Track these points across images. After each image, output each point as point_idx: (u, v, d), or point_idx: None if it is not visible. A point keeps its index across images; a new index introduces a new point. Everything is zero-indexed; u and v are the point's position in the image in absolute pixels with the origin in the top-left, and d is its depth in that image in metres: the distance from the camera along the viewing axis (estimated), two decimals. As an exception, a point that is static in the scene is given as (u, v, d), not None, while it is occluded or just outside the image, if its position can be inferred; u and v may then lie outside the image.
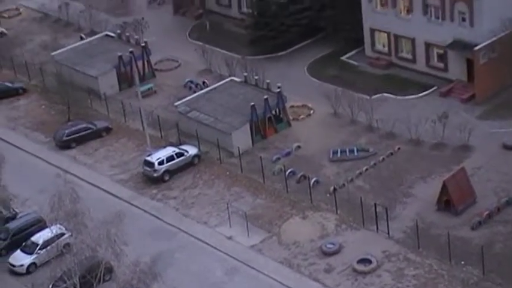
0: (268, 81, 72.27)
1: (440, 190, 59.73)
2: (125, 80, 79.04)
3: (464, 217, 58.99)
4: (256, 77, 73.19)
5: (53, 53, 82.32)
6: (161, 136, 71.65)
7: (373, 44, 77.89)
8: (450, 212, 59.36)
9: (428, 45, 74.26)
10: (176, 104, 72.71)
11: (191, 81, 77.88)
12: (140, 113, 70.44)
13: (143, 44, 79.89)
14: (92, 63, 79.69)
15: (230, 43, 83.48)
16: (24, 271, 59.32)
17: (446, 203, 59.62)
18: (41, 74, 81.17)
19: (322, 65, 78.76)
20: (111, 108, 75.79)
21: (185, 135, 70.55)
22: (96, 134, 72.93)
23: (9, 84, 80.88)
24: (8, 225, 61.72)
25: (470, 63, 71.43)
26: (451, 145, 66.01)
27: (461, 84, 72.59)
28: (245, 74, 74.06)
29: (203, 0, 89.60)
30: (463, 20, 71.39)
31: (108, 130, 73.44)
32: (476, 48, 69.75)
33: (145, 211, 64.02)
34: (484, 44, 69.77)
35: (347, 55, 79.36)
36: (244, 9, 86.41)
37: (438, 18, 72.77)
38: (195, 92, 75.43)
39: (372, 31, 77.43)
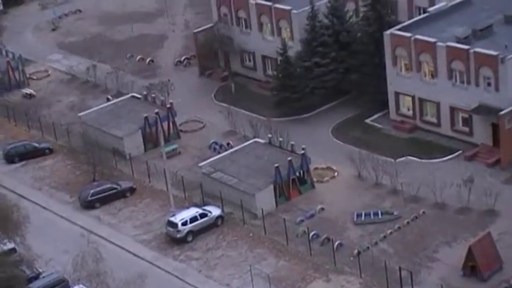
0: (292, 143, 72.43)
1: (465, 255, 59.12)
2: (150, 141, 79.52)
3: (490, 283, 58.27)
4: (280, 139, 73.38)
5: (80, 114, 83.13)
6: (185, 197, 71.72)
7: (397, 107, 78.02)
8: (476, 277, 58.65)
9: (453, 109, 74.28)
10: (200, 164, 72.92)
11: (216, 143, 78.19)
12: (164, 173, 70.69)
13: (169, 105, 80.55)
14: (118, 124, 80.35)
15: (255, 105, 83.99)
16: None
17: (472, 268, 58.94)
18: (67, 134, 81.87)
19: (347, 127, 78.90)
20: (135, 168, 76.12)
21: (209, 196, 70.55)
22: (121, 194, 73.15)
23: (36, 145, 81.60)
24: (31, 285, 61.63)
25: (495, 128, 71.25)
26: (476, 210, 65.51)
27: (487, 149, 72.34)
28: (269, 135, 74.31)
29: (228, 62, 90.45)
30: (489, 84, 71.46)
31: (132, 190, 73.66)
32: (502, 113, 69.66)
33: (167, 272, 63.76)
34: (509, 109, 69.66)
35: (371, 118, 79.50)
36: (269, 72, 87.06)
37: (463, 82, 72.88)
38: (219, 153, 75.70)
39: (397, 94, 77.65)
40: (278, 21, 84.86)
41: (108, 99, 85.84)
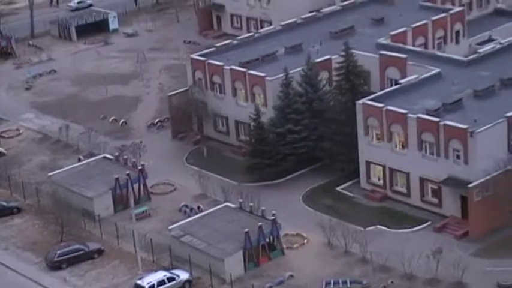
0: (263, 208, 72.40)
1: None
2: (120, 202, 79.16)
3: None
4: (251, 204, 73.36)
5: (50, 174, 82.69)
6: (153, 260, 71.16)
7: (368, 176, 78.49)
8: None
9: (423, 180, 74.82)
10: (170, 227, 72.56)
11: (186, 206, 77.99)
12: (133, 235, 70.19)
13: (140, 167, 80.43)
14: (88, 185, 79.99)
15: (227, 169, 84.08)
16: None
17: None
18: (36, 193, 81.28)
19: (318, 194, 79.09)
20: (104, 230, 75.57)
21: (178, 260, 70.07)
22: (88, 256, 72.45)
23: (4, 203, 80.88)
24: None
25: (464, 200, 71.77)
26: (444, 281, 65.55)
27: (456, 221, 72.73)
28: (240, 200, 74.27)
29: (202, 126, 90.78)
30: (458, 157, 72.19)
31: (100, 252, 73.00)
32: (471, 185, 70.25)
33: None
34: (478, 181, 70.30)
35: (342, 186, 79.81)
36: (242, 137, 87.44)
37: (433, 154, 73.58)
38: (189, 216, 75.44)
39: (368, 163, 78.18)
40: (252, 87, 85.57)
41: (79, 160, 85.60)
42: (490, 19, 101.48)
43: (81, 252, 72.19)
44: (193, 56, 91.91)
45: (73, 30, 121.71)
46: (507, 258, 67.41)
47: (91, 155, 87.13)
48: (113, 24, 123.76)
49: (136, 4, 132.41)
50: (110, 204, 78.76)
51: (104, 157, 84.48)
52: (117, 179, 78.84)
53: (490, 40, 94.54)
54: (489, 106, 75.08)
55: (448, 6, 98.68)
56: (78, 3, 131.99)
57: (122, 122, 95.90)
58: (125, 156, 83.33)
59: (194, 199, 79.55)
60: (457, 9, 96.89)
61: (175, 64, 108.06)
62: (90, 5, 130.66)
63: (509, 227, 70.40)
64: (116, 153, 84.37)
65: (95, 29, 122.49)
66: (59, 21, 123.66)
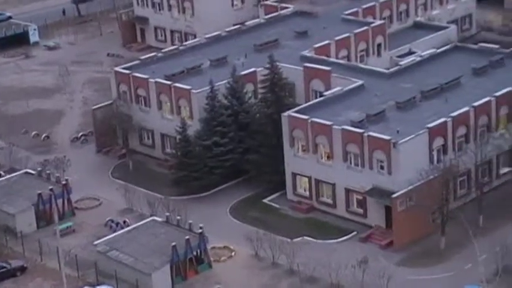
0: (190, 221, 72.10)
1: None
2: (44, 218, 77.89)
3: None
4: (178, 217, 72.97)
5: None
6: (78, 276, 70.14)
7: (294, 187, 78.90)
8: None
9: (348, 191, 75.54)
10: (95, 243, 71.67)
11: (112, 221, 77.16)
12: (57, 252, 69.12)
13: (64, 182, 79.30)
14: (10, 201, 78.51)
15: (153, 183, 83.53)
16: None
17: None
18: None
19: (245, 206, 79.16)
20: (27, 246, 74.22)
21: (104, 276, 69.21)
22: (10, 274, 71.00)
23: None
24: None
25: (388, 210, 72.70)
26: (371, 290, 66.26)
27: (380, 231, 73.59)
28: (167, 214, 73.82)
29: (127, 140, 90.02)
30: (382, 168, 73.13)
31: (23, 269, 71.63)
32: (394, 195, 71.22)
33: None
34: (402, 191, 71.32)
35: (269, 198, 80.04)
36: (168, 150, 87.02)
37: (358, 165, 74.40)
38: (115, 231, 74.64)
39: (294, 175, 78.60)
40: (178, 100, 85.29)
41: (0, 175, 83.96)
42: (410, 32, 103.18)
43: (3, 270, 70.73)
44: (117, 68, 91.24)
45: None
46: (430, 267, 68.48)
47: (12, 170, 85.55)
48: (34, 37, 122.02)
49: (64, 14, 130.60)
50: (32, 220, 77.42)
51: (26, 172, 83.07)
52: (39, 194, 77.61)
53: (411, 53, 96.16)
54: (411, 117, 76.35)
55: (370, 19, 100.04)
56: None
57: (44, 137, 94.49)
58: (48, 171, 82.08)
59: (120, 213, 78.78)
60: (378, 22, 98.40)
61: (98, 77, 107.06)
62: (10, 18, 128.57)
63: (432, 236, 71.56)
64: (39, 168, 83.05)
65: (15, 41, 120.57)
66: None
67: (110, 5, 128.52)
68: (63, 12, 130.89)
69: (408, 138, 72.50)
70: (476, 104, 76.36)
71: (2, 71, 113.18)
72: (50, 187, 78.23)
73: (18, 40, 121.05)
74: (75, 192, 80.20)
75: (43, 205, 77.73)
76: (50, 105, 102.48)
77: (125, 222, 76.53)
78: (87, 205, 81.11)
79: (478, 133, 76.09)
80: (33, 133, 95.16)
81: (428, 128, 73.68)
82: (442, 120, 74.49)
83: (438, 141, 74.13)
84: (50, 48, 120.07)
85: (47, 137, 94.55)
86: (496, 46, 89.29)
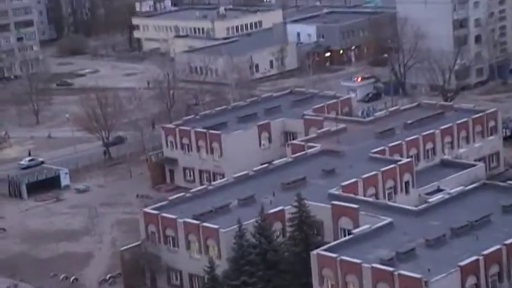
0: None
1: None
2: None
3: None
4: None
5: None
6: None
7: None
8: None
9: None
10: None
11: None
12: None
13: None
14: None
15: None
16: None
17: None
18: None
19: None
20: None
21: None
22: None
23: None
24: None
25: None
26: None
27: None
28: None
29: (155, 281, 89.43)
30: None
31: None
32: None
33: None
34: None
35: None
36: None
37: (389, 303, 73.08)
38: None
39: (324, 315, 77.20)
40: (206, 239, 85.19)
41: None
42: (437, 170, 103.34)
43: None
44: (146, 209, 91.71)
45: (24, 188, 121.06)
46: None
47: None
48: (65, 181, 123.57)
49: (105, 155, 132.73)
50: None
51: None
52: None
53: (439, 190, 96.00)
54: (441, 255, 75.38)
55: (397, 157, 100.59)
56: (29, 161, 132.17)
57: (73, 279, 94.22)
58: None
59: None
60: (405, 160, 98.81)
61: (127, 219, 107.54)
62: (42, 162, 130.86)
63: None
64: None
65: (47, 185, 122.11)
66: (9, 179, 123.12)
67: (139, 147, 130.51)
68: (104, 153, 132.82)
69: (440, 276, 71.31)
70: (507, 241, 75.34)
71: (33, 215, 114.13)
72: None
73: (50, 184, 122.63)
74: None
75: None
76: (79, 248, 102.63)
77: None
78: None
79: (511, 272, 74.77)
80: (62, 276, 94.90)
81: (460, 266, 72.54)
82: (474, 258, 73.42)
83: (471, 280, 72.75)
84: (80, 191, 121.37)
85: (76, 279, 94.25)
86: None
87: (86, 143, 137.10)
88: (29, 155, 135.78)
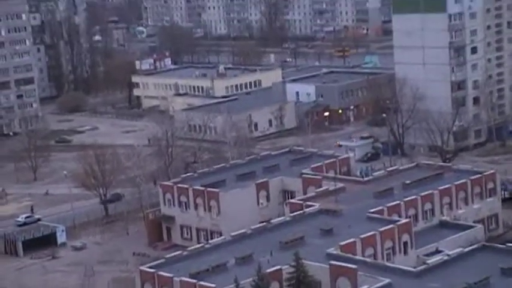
0: None
1: None
2: None
3: None
4: None
5: None
6: None
7: None
8: None
9: None
10: None
11: None
12: None
13: None
14: None
15: None
16: None
17: None
18: None
19: None
20: None
21: None
22: None
23: None
24: None
25: None
26: None
27: None
28: None
29: None
30: None
31: None
32: None
33: None
34: None
35: None
36: None
37: None
38: None
39: None
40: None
41: None
42: (436, 231, 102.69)
43: None
44: (143, 268, 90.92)
45: (20, 245, 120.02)
46: None
47: None
48: (61, 238, 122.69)
49: (106, 213, 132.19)
50: None
51: None
52: None
53: (437, 251, 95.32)
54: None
55: (395, 218, 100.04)
56: (26, 218, 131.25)
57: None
58: None
59: None
60: (404, 220, 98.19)
61: (123, 277, 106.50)
62: (39, 220, 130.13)
63: None
64: None
65: (43, 243, 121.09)
66: (5, 237, 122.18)
67: (137, 204, 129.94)
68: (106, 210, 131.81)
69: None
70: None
71: (28, 273, 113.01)
72: None
73: (46, 241, 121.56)
74: None
75: None
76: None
77: None
78: None
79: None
80: None
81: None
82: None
83: None
84: (76, 249, 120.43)
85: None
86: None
87: (83, 199, 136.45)
88: (31, 211, 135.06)
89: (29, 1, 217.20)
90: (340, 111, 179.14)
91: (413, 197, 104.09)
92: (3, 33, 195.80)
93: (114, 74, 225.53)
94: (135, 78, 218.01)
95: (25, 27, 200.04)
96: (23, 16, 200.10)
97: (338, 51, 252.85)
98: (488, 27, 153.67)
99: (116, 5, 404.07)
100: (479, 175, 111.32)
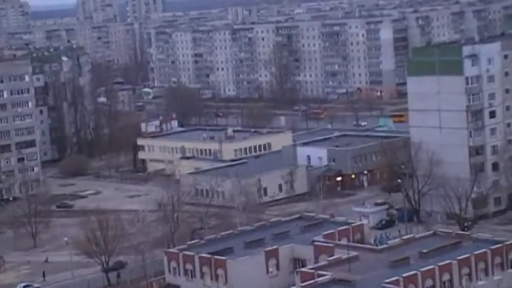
0: None
1: None
2: None
3: None
4: None
5: None
6: None
7: None
8: None
9: None
10: None
11: None
12: None
13: None
14: None
15: None
16: None
17: None
18: None
19: None
20: None
21: None
22: None
23: None
24: None
25: None
26: None
27: None
28: None
29: None
30: None
31: None
32: None
33: None
34: None
35: None
36: None
37: None
38: None
39: None
40: None
41: None
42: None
43: None
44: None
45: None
46: None
47: None
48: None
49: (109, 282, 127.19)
50: None
51: None
52: None
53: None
54: None
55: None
56: (24, 287, 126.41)
57: None
58: None
59: None
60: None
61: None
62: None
63: None
64: None
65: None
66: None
67: (141, 273, 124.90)
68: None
69: None
70: None
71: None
72: None
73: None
74: None
75: None
76: None
77: None
78: None
79: None
80: None
81: None
82: None
83: None
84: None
85: None
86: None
87: (85, 267, 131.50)
88: (43, 276, 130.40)
89: (33, 62, 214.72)
90: (353, 176, 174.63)
91: (430, 266, 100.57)
92: (5, 95, 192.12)
93: (118, 136, 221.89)
94: (140, 141, 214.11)
95: (28, 89, 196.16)
96: (26, 77, 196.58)
97: (395, 116, 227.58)
98: (507, 90, 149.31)
99: (121, 66, 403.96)
100: (500, 245, 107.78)
